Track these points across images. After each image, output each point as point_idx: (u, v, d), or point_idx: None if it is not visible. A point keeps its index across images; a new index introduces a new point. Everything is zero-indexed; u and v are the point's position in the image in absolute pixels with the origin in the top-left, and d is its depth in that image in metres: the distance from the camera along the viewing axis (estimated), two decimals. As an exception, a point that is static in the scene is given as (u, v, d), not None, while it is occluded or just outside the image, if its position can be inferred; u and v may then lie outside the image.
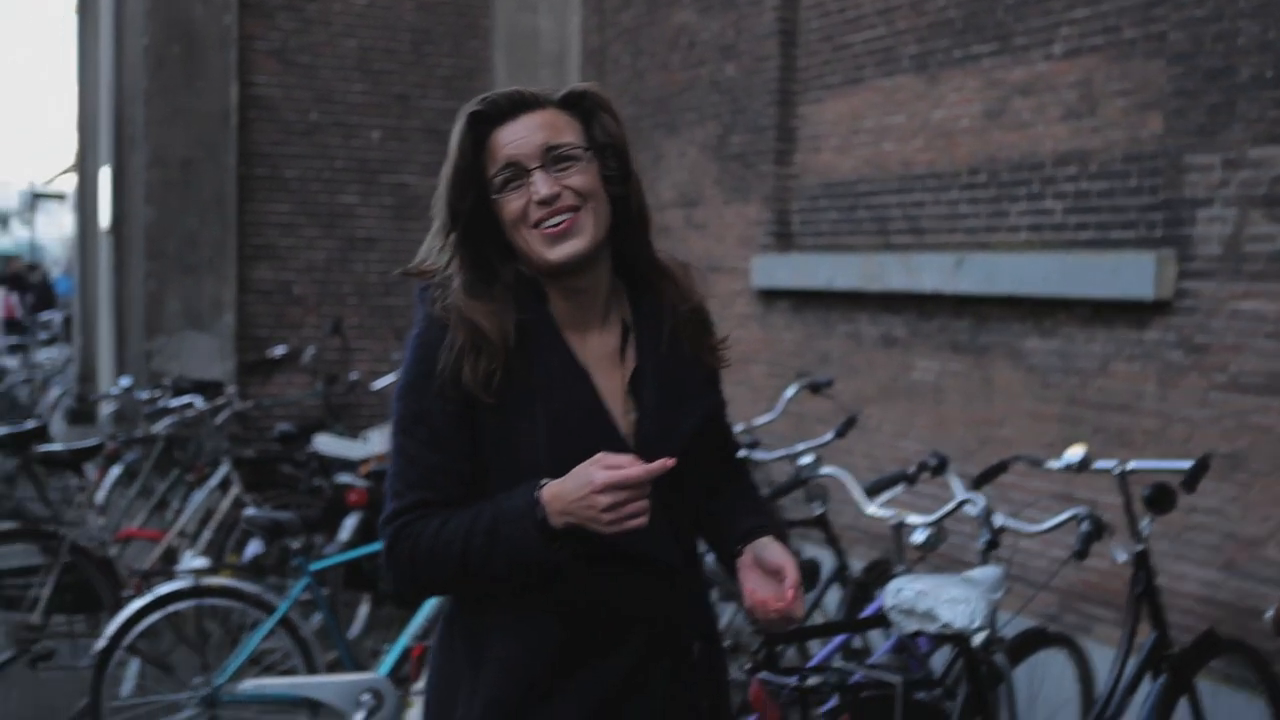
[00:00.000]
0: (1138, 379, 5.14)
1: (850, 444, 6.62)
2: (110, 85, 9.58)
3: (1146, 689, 3.94)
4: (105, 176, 9.96)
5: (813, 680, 3.29)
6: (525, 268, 2.13)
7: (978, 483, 4.16)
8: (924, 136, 6.48)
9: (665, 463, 1.95)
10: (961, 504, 4.05)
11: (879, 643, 4.66)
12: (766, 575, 2.15)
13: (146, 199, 8.92)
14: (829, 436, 5.30)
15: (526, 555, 1.99)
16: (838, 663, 3.72)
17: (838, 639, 4.29)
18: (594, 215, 2.08)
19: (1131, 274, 5.06)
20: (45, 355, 13.48)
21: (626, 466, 1.94)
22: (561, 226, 2.05)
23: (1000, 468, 4.21)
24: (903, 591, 3.55)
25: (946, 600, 3.47)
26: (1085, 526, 3.86)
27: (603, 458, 1.96)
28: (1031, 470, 4.73)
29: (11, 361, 13.47)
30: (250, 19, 9.27)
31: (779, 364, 7.35)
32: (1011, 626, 4.37)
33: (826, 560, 5.22)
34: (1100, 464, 4.06)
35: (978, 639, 3.97)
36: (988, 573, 3.65)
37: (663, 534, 2.08)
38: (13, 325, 18.49)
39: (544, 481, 1.99)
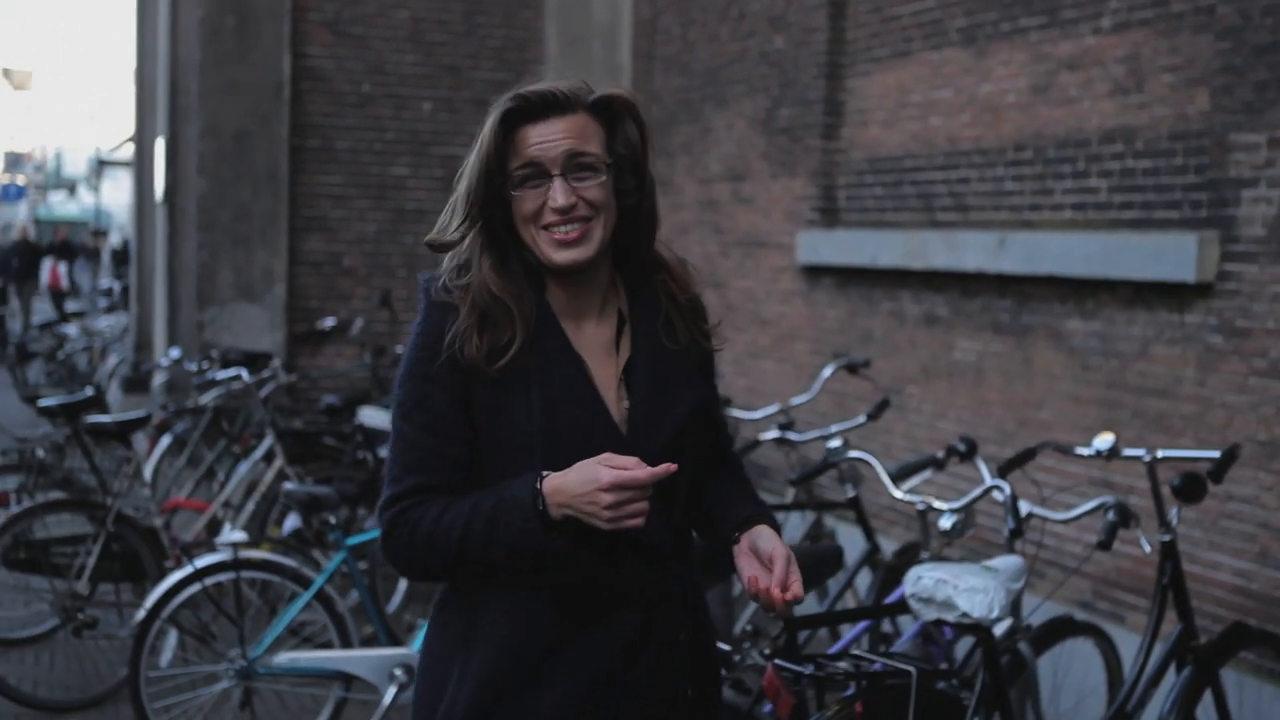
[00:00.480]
0: (1177, 363, 5.05)
1: (890, 424, 6.58)
2: (166, 56, 9.67)
3: (1171, 681, 3.89)
4: (160, 147, 10.06)
5: (830, 668, 3.27)
6: (530, 255, 2.18)
7: (1006, 468, 4.11)
8: (970, 111, 6.39)
9: (668, 467, 2.02)
10: (988, 490, 4.01)
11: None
12: (763, 563, 2.19)
13: (199, 170, 8.99)
14: (861, 419, 5.26)
15: (526, 544, 2.05)
16: (859, 649, 3.72)
17: (862, 624, 4.27)
18: (602, 226, 2.15)
19: (1174, 256, 4.97)
20: (105, 323, 13.67)
21: (632, 469, 2.00)
22: (573, 235, 2.12)
23: (1029, 454, 4.16)
24: (922, 579, 3.53)
25: (965, 589, 3.44)
26: (1111, 515, 3.81)
27: (608, 458, 2.02)
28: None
29: (72, 329, 13.67)
30: (304, -10, 9.32)
31: (823, 341, 7.30)
32: (1041, 613, 4.33)
33: (858, 543, 5.20)
34: (1130, 451, 4.00)
35: (999, 628, 3.96)
36: (1009, 562, 3.61)
37: (655, 520, 2.10)
38: (61, 295, 18.39)
39: (545, 473, 2.05)
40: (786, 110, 7.79)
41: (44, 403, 6.75)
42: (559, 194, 2.10)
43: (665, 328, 2.22)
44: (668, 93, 9.34)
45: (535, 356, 2.12)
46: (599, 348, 2.19)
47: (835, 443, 4.84)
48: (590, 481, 2.00)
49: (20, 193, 33.55)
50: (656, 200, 2.25)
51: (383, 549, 2.15)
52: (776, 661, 3.33)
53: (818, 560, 3.73)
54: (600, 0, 9.80)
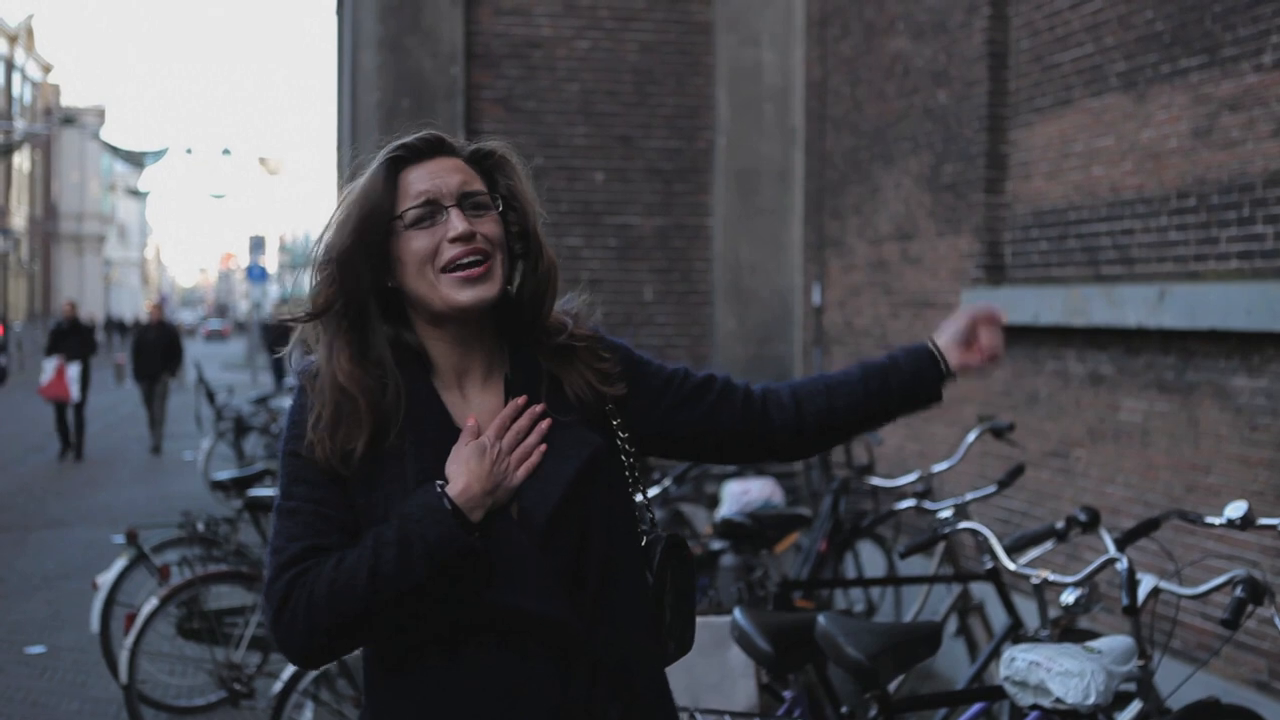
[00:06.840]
0: (1346, 421, 4.64)
1: (1058, 489, 6.26)
2: (349, 139, 10.00)
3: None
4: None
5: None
6: (407, 333, 2.10)
7: (1126, 539, 3.82)
8: (1132, 159, 6.06)
9: (534, 409, 2.06)
10: (1107, 562, 3.72)
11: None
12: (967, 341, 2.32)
13: (379, 248, 9.23)
14: (992, 488, 4.98)
15: (448, 547, 1.92)
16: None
17: (977, 706, 4.00)
18: (500, 266, 2.07)
19: (1338, 305, 4.58)
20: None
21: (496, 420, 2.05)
22: (477, 271, 2.03)
23: (1152, 524, 3.85)
24: (1015, 660, 3.29)
25: (1059, 672, 3.19)
26: (1239, 591, 3.48)
27: (462, 442, 2.01)
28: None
29: (287, 403, 14.16)
30: (477, 69, 9.52)
31: (990, 404, 7.00)
32: (1188, 693, 3.99)
33: (1001, 616, 4.92)
34: (1267, 520, 3.65)
35: (1127, 714, 3.66)
36: (1115, 642, 3.34)
37: (553, 592, 1.99)
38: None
39: (439, 483, 1.97)
40: (950, 166, 7.55)
41: (217, 477, 6.99)
42: (458, 221, 2.02)
43: (550, 388, 2.11)
44: (839, 153, 9.19)
45: (411, 430, 2.02)
46: (484, 416, 2.08)
47: (946, 513, 4.59)
48: (479, 449, 1.98)
49: (263, 274, 35.24)
50: (550, 254, 2.15)
51: (273, 628, 1.96)
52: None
53: (913, 640, 3.51)
54: (771, 64, 9.73)
